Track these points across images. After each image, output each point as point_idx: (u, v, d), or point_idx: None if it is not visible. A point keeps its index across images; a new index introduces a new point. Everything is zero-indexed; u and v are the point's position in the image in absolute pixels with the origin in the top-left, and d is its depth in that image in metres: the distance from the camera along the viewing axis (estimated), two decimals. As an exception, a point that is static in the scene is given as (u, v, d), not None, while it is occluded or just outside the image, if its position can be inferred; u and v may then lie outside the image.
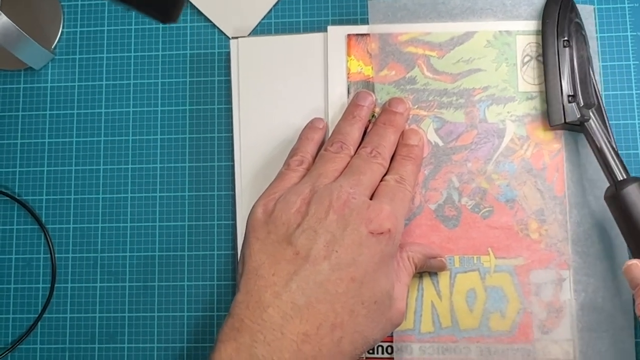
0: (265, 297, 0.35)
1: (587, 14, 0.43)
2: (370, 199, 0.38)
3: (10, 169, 0.48)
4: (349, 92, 0.44)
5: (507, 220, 0.41)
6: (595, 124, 0.40)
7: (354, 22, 0.46)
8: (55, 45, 0.49)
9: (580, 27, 0.42)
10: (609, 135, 0.40)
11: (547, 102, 0.41)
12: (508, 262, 0.41)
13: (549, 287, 0.40)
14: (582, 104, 0.40)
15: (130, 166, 0.47)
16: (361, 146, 0.41)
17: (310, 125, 0.43)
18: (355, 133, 0.41)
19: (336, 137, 0.41)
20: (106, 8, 0.49)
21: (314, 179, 0.39)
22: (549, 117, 0.41)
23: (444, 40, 0.43)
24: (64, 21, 0.49)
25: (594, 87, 0.42)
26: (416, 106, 0.43)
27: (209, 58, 0.48)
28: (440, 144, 0.42)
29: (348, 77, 0.44)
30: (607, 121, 0.41)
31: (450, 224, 0.42)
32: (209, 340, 0.45)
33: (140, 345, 0.46)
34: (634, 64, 0.44)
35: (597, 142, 0.40)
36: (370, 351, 0.42)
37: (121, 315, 0.46)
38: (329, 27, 0.44)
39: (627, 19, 0.45)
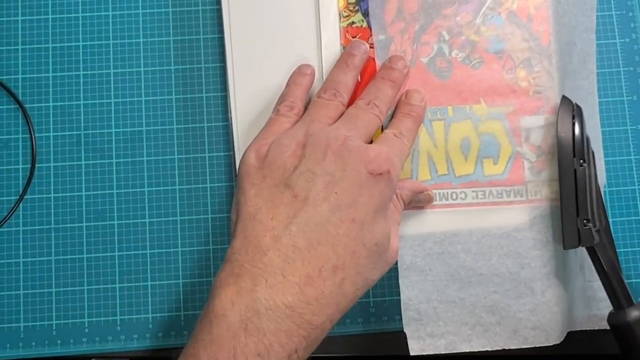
0: (264, 241, 0.34)
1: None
2: None
3: (-18, 48, 0.46)
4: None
5: (496, 70, 0.42)
6: (604, 247, 0.39)
7: None
8: None
9: (589, 141, 0.41)
10: (616, 259, 0.40)
11: (562, 223, 0.40)
12: (499, 109, 0.42)
13: (538, 131, 0.42)
14: (597, 227, 0.39)
15: (111, 42, 0.46)
16: (358, 98, 0.40)
17: (298, 71, 0.42)
18: (348, 81, 0.41)
19: (329, 84, 0.41)
20: None
21: (308, 124, 0.38)
22: (563, 239, 0.40)
23: None
24: None
25: (603, 207, 0.41)
26: (404, -37, 0.44)
27: None
28: (430, -1, 0.43)
29: None
30: (613, 243, 0.41)
31: (442, 75, 0.42)
32: (202, 212, 0.44)
33: (131, 221, 0.44)
34: (627, 100, 0.46)
35: (604, 265, 0.39)
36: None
37: (109, 192, 0.45)
38: None
39: (619, 55, 0.46)
